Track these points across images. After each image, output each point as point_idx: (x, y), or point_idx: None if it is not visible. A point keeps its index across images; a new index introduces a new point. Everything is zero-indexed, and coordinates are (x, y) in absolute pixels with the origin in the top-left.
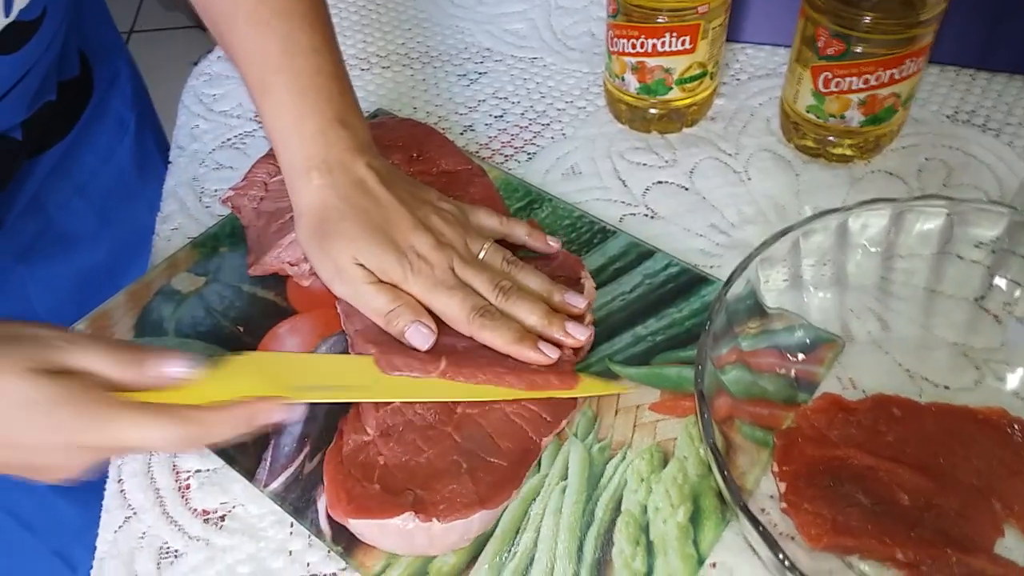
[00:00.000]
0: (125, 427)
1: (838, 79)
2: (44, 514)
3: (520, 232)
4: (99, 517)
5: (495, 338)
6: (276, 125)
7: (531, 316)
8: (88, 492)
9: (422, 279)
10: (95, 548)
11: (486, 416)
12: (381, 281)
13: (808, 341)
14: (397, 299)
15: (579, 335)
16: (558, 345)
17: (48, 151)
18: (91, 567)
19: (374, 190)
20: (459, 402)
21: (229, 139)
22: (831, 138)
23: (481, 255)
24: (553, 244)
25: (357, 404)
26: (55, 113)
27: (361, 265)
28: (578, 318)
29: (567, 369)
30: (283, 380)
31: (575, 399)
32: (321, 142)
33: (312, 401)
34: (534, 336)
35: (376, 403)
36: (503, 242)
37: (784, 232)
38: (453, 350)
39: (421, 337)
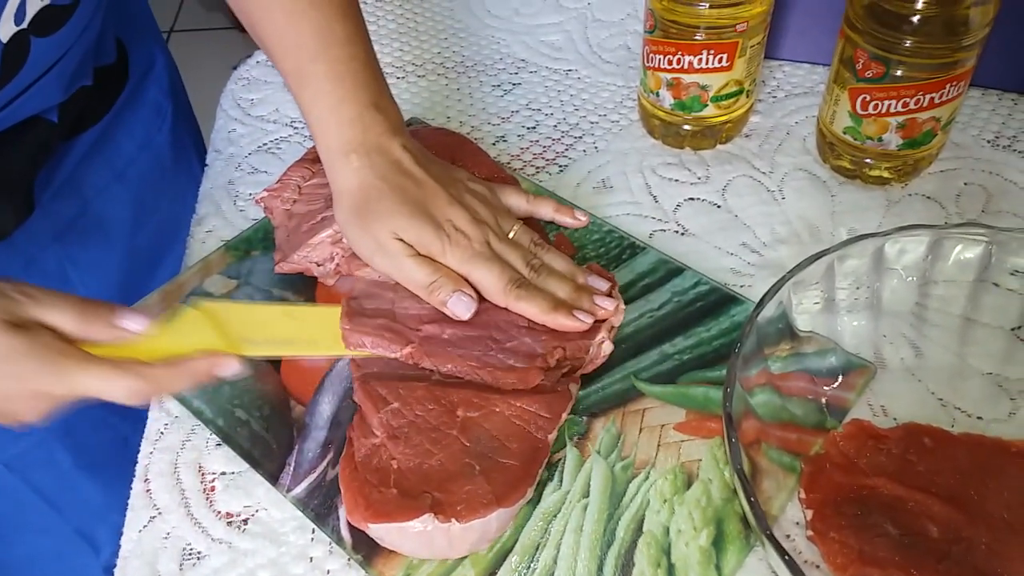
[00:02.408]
0: (87, 379)
1: (876, 102)
2: (68, 492)
3: (547, 209)
4: (122, 497)
5: (531, 307)
6: (314, 112)
7: (561, 290)
8: (111, 472)
9: (460, 251)
10: (119, 533)
11: (488, 420)
12: (420, 255)
13: (839, 366)
14: (437, 271)
15: (607, 306)
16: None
17: (83, 134)
18: (114, 549)
19: (410, 169)
20: (459, 405)
21: (265, 144)
22: (868, 160)
23: (511, 235)
24: (581, 218)
25: (359, 408)
26: (91, 98)
27: (400, 240)
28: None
29: (530, 369)
30: (236, 333)
31: (568, 395)
32: (358, 126)
33: (264, 356)
34: (568, 304)
35: (376, 404)
36: (529, 223)
37: (819, 255)
38: (418, 337)
39: (463, 306)
